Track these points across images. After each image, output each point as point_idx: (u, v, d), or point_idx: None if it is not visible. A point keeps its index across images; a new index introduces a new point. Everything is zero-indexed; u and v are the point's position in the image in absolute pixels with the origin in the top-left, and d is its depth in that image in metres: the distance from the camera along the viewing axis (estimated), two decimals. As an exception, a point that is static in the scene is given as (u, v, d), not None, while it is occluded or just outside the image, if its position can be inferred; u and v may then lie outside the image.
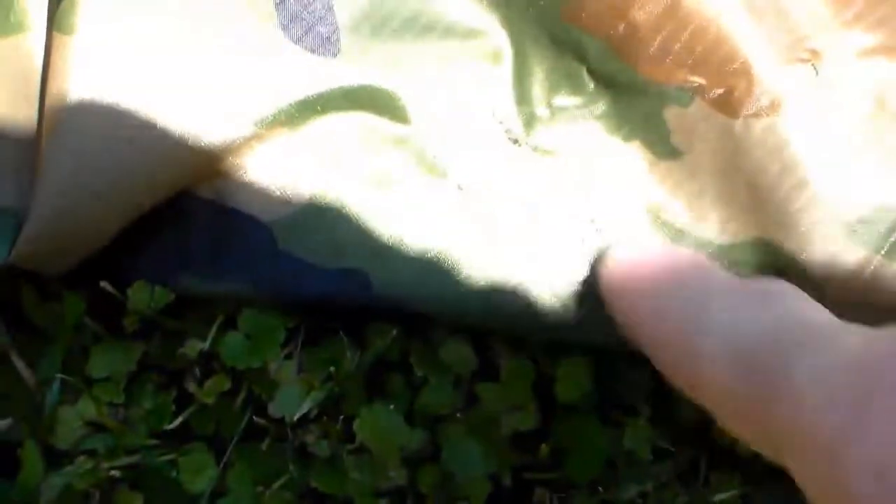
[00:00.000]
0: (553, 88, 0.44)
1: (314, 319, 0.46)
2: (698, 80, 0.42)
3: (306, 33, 0.43)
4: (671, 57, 0.42)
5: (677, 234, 0.43)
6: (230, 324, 0.45)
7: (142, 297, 0.43)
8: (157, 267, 0.43)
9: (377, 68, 0.43)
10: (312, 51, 0.42)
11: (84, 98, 0.40)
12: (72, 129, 0.39)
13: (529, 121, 0.44)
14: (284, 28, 0.42)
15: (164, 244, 0.43)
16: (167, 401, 0.44)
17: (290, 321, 0.45)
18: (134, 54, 0.40)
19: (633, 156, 0.44)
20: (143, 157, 0.40)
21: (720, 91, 0.42)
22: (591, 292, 0.42)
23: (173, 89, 0.41)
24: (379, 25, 0.43)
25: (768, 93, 0.41)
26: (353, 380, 0.45)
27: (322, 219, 0.43)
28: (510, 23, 0.44)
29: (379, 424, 0.43)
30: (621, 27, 0.42)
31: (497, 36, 0.44)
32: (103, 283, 0.43)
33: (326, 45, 0.43)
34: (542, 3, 0.43)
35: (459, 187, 0.44)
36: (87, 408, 0.43)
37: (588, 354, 0.45)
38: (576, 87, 0.44)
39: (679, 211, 0.44)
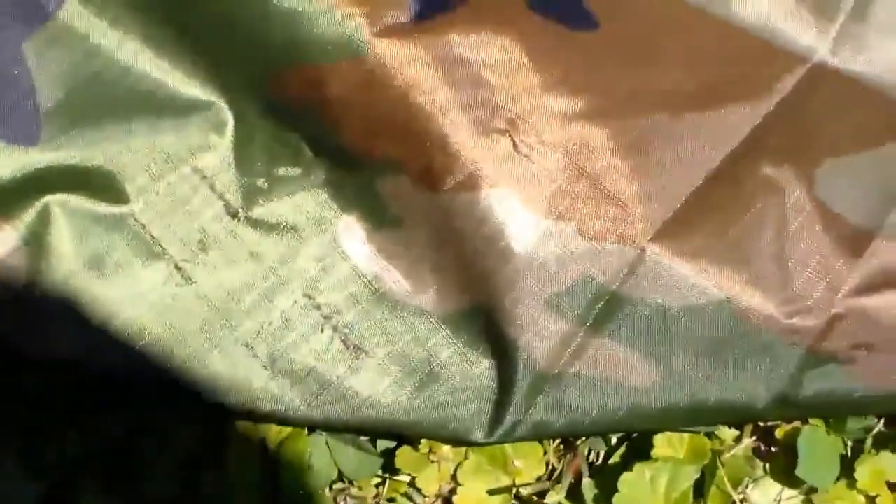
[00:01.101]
0: (273, 159, 0.44)
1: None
2: (400, 152, 0.42)
3: (4, 122, 0.42)
4: (373, 129, 0.42)
5: (396, 306, 0.43)
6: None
7: None
8: None
9: (87, 149, 0.43)
10: (11, 140, 0.42)
11: None
12: None
13: (249, 193, 0.44)
14: (-23, 119, 0.41)
15: None
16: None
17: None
18: None
19: (350, 226, 0.44)
20: None
21: (421, 164, 0.41)
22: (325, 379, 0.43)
23: None
24: (88, 107, 0.43)
25: (466, 167, 0.41)
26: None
27: (37, 309, 0.42)
28: (231, 94, 0.44)
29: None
30: (326, 99, 0.42)
31: (220, 107, 0.44)
32: None
33: (25, 132, 0.42)
34: (254, 72, 0.43)
35: (177, 267, 0.43)
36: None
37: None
38: (294, 157, 0.44)
39: (397, 281, 0.44)
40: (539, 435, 0.43)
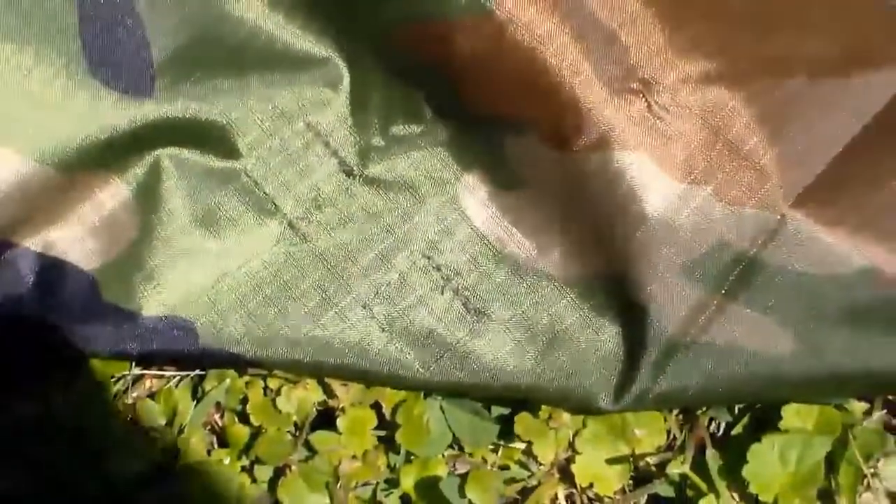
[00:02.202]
0: (391, 117, 0.44)
1: (151, 368, 0.45)
2: (529, 112, 0.41)
3: (118, 73, 0.42)
4: (501, 88, 0.42)
5: (519, 269, 0.43)
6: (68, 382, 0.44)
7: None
8: None
9: (200, 103, 0.42)
10: (125, 92, 0.41)
11: None
12: None
13: (365, 151, 0.43)
14: (93, 70, 0.41)
15: None
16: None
17: (124, 372, 0.44)
18: None
19: (472, 186, 0.43)
20: None
21: (551, 124, 0.41)
22: (445, 342, 0.42)
23: None
24: (201, 59, 0.43)
25: (598, 126, 0.40)
26: (190, 432, 0.44)
27: (146, 264, 0.42)
28: (348, 50, 0.43)
29: (213, 482, 0.43)
30: (449, 56, 0.41)
31: (335, 63, 0.43)
32: None
33: (140, 84, 0.42)
34: (376, 28, 0.42)
35: (290, 224, 0.43)
36: None
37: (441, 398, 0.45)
38: (413, 116, 0.44)
39: (521, 244, 0.43)
40: (668, 403, 0.42)
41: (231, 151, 0.43)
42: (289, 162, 0.44)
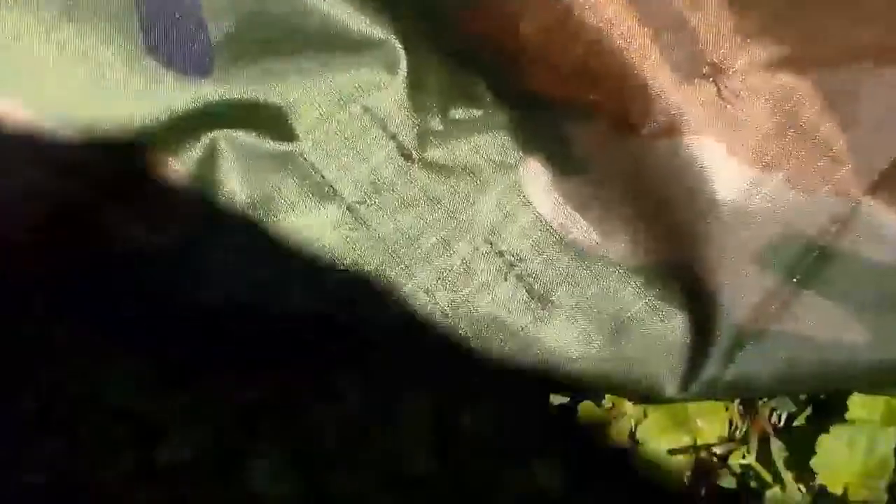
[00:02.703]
0: (450, 101, 0.43)
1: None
2: (595, 97, 0.41)
3: (176, 54, 0.41)
4: (565, 73, 0.41)
5: (583, 256, 0.42)
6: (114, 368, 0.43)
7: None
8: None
9: (257, 84, 0.42)
10: (183, 71, 0.41)
11: None
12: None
13: (423, 134, 0.43)
14: (151, 49, 0.40)
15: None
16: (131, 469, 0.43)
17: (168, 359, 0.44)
18: None
19: (534, 172, 0.43)
20: None
21: (617, 109, 0.40)
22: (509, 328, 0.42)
23: (16, 117, 0.40)
24: (258, 40, 0.42)
25: (667, 111, 0.40)
26: (237, 423, 0.43)
27: (206, 247, 0.41)
28: (405, 32, 0.43)
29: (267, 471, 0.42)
30: (512, 39, 0.41)
31: (393, 45, 0.43)
32: None
33: (198, 64, 0.41)
34: (435, 10, 0.42)
35: (348, 209, 0.42)
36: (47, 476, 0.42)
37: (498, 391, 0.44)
38: (473, 99, 0.43)
39: (585, 230, 0.43)
40: (736, 392, 0.42)
41: (288, 134, 0.43)
42: (346, 145, 0.43)
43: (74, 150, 0.40)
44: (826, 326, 0.41)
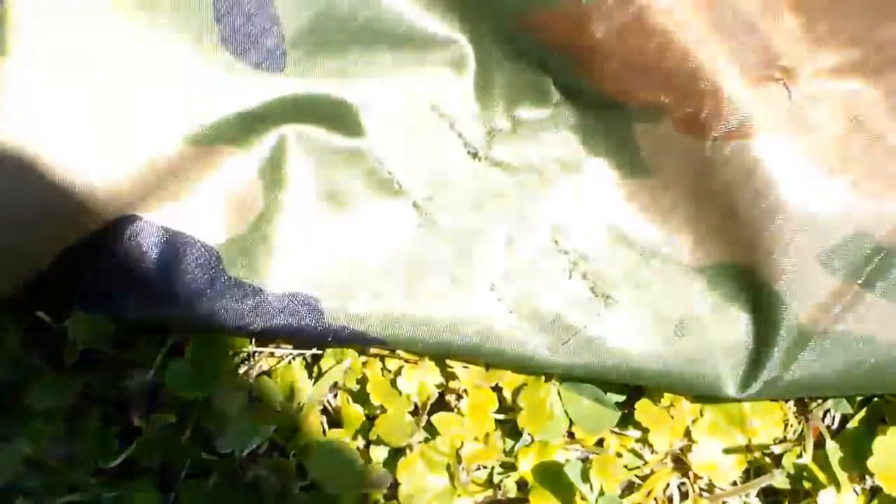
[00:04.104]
0: (516, 100, 0.44)
1: (267, 346, 0.45)
2: (665, 98, 0.41)
3: (250, 47, 0.42)
4: (635, 74, 0.42)
5: (647, 255, 0.43)
6: (177, 352, 0.43)
7: (82, 326, 0.42)
8: (101, 294, 0.42)
9: (328, 79, 0.43)
10: (256, 65, 0.42)
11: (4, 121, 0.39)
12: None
13: (490, 133, 0.44)
14: (225, 42, 0.41)
15: (107, 270, 0.42)
16: (110, 436, 0.44)
17: (240, 348, 0.44)
18: (61, 72, 0.40)
19: (599, 171, 0.44)
20: (61, 182, 0.40)
21: (688, 111, 0.41)
22: (572, 326, 0.43)
23: (95, 107, 0.41)
24: (329, 36, 0.43)
25: (738, 114, 0.40)
26: (308, 410, 0.44)
27: (270, 240, 0.42)
28: (473, 31, 0.44)
29: (332, 459, 0.43)
30: (582, 41, 0.42)
31: (460, 44, 0.43)
32: (40, 314, 0.42)
33: (271, 59, 0.42)
34: (504, 10, 0.42)
35: (415, 205, 0.43)
36: (25, 444, 0.42)
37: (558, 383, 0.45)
38: (540, 99, 0.44)
39: (648, 231, 0.43)
40: (797, 392, 0.43)
41: (356, 129, 0.43)
42: (414, 142, 0.44)
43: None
44: (888, 328, 0.42)
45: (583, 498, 0.43)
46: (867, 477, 0.44)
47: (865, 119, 0.41)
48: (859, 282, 0.42)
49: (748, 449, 0.45)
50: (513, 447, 0.45)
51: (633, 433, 0.46)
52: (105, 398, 0.45)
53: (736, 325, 0.43)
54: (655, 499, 0.46)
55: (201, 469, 0.45)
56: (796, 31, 0.41)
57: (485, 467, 0.46)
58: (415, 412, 0.45)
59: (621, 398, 0.45)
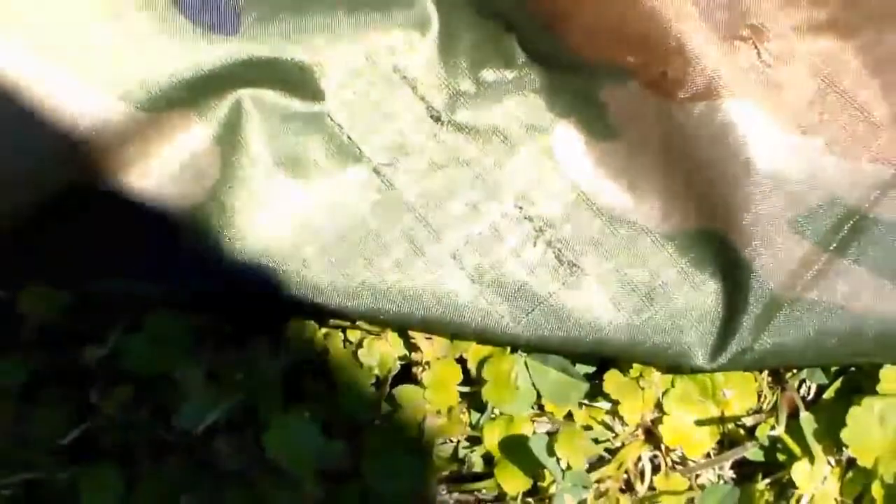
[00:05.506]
0: (481, 62, 0.43)
1: (226, 321, 0.44)
2: (632, 58, 0.40)
3: (204, 10, 0.41)
4: (601, 34, 0.40)
5: (615, 221, 0.41)
6: (135, 328, 0.42)
7: (35, 300, 0.41)
8: (54, 266, 0.41)
9: (285, 42, 0.41)
10: (211, 27, 0.40)
11: None
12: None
13: (453, 96, 0.42)
14: (179, 5, 0.40)
15: (61, 240, 0.41)
16: (66, 413, 0.42)
17: (198, 322, 0.43)
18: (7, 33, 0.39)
19: (566, 135, 0.42)
20: (10, 149, 0.40)
21: (655, 71, 0.40)
22: (537, 295, 0.41)
23: (45, 70, 0.39)
24: (287, -2, 0.41)
25: (706, 74, 0.39)
26: (268, 386, 0.43)
27: (228, 207, 0.41)
28: None
29: (292, 435, 0.42)
30: (545, 1, 0.40)
31: (423, 4, 0.42)
32: None
33: (226, 21, 0.41)
34: None
35: (376, 170, 0.42)
36: (-24, 423, 0.42)
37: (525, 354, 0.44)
38: (505, 61, 0.43)
39: (617, 195, 0.42)
40: (768, 363, 0.42)
41: (315, 94, 0.42)
42: (374, 106, 0.43)
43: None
44: (862, 296, 0.40)
45: (550, 473, 0.42)
46: (842, 448, 0.42)
47: (835, 79, 0.40)
48: (831, 248, 0.40)
49: (721, 420, 0.44)
50: (478, 421, 0.44)
51: (604, 405, 0.45)
52: (61, 374, 0.44)
53: (705, 294, 0.41)
54: (627, 472, 0.44)
55: (161, 447, 0.44)
56: None
57: (450, 441, 0.44)
58: (378, 385, 0.44)
59: (591, 369, 0.44)
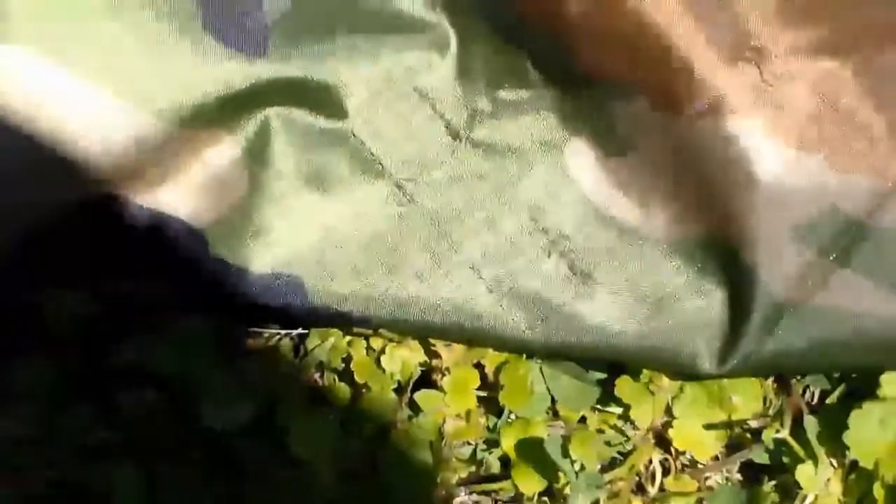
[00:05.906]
0: (497, 81, 0.45)
1: (250, 325, 0.46)
2: (640, 76, 0.42)
3: (232, 31, 0.42)
4: (609, 52, 0.42)
5: (625, 233, 0.43)
6: (160, 331, 0.44)
7: (62, 305, 0.43)
8: (83, 273, 0.43)
9: (311, 63, 0.43)
10: (239, 48, 0.42)
11: None
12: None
13: (472, 114, 0.44)
14: (208, 26, 0.42)
15: (91, 249, 0.43)
16: (91, 414, 0.44)
17: (222, 325, 0.45)
18: (47, 52, 0.40)
19: (578, 150, 0.44)
20: (44, 160, 0.41)
21: (661, 89, 0.42)
22: (551, 304, 0.43)
23: (79, 86, 0.41)
24: (311, 20, 0.44)
25: (710, 92, 0.41)
26: (292, 387, 0.44)
27: (255, 221, 0.43)
28: (456, 13, 0.44)
29: (315, 434, 0.43)
30: (559, 20, 0.42)
31: (442, 26, 0.44)
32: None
33: (254, 42, 0.42)
34: None
35: (397, 185, 0.44)
36: (4, 422, 0.43)
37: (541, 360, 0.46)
38: (521, 80, 0.45)
39: (628, 208, 0.44)
40: (774, 368, 0.43)
41: (339, 112, 0.44)
42: (396, 124, 0.44)
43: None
44: (863, 303, 0.42)
45: (564, 474, 0.44)
46: (845, 451, 0.44)
47: (836, 97, 0.42)
48: (832, 256, 0.42)
49: (728, 425, 0.45)
50: (496, 424, 0.46)
51: (616, 410, 0.46)
52: (87, 376, 0.46)
53: (712, 301, 0.43)
54: (638, 474, 0.46)
55: (183, 447, 0.45)
56: (770, 12, 0.42)
57: (469, 444, 0.46)
58: (399, 391, 0.45)
59: (603, 375, 0.46)
